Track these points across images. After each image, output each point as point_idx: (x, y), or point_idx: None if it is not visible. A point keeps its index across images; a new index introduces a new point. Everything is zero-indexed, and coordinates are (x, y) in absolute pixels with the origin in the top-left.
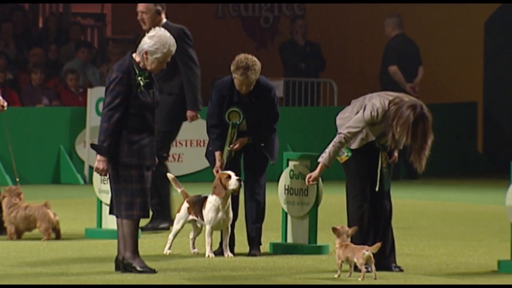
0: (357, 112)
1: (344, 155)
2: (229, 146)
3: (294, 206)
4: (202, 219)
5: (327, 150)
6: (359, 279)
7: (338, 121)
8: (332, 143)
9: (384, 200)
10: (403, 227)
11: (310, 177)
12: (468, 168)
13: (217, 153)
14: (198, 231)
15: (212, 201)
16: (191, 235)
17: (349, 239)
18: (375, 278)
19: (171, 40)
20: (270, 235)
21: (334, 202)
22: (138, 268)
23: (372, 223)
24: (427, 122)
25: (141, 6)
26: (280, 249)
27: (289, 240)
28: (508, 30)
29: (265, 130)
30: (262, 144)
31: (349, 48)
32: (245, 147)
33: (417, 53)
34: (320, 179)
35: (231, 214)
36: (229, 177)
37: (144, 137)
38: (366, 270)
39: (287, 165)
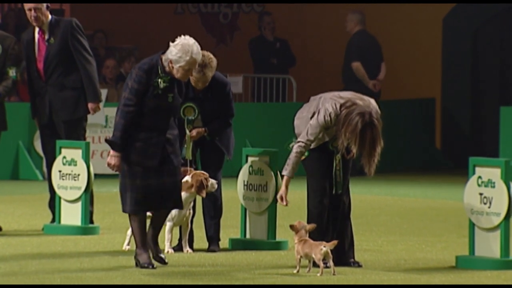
0: (313, 113)
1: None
2: (185, 143)
3: (253, 202)
4: None
5: (289, 162)
6: (318, 274)
7: (296, 121)
8: (294, 153)
9: (342, 195)
10: (361, 222)
11: (281, 198)
12: (426, 164)
13: None
14: None
15: None
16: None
17: (307, 235)
18: (333, 274)
19: (195, 47)
20: (229, 231)
21: (293, 198)
22: (141, 263)
23: (331, 218)
24: (376, 130)
25: (33, 4)
26: (239, 245)
27: (248, 236)
28: (465, 27)
29: (220, 125)
30: (217, 138)
31: (308, 45)
32: (202, 143)
33: (379, 49)
34: (278, 174)
35: (191, 210)
36: (207, 178)
37: (152, 137)
38: (324, 266)
39: (246, 161)
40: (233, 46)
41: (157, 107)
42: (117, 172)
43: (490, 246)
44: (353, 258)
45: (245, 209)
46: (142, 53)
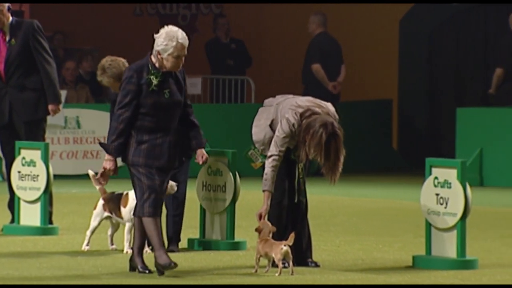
0: (272, 120)
1: (259, 161)
2: None
3: (212, 202)
4: (117, 215)
5: (267, 177)
6: (276, 274)
7: (254, 129)
8: (270, 168)
9: (300, 196)
10: (319, 223)
11: (260, 215)
12: (383, 165)
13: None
14: (116, 227)
15: None
16: (109, 232)
17: (270, 235)
18: (291, 274)
19: (179, 33)
20: (188, 231)
21: (252, 198)
22: (163, 264)
23: (289, 219)
24: (339, 140)
25: None
26: (197, 245)
27: (207, 236)
28: (421, 29)
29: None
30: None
31: (267, 46)
32: None
33: (339, 52)
34: (237, 174)
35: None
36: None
37: (157, 137)
38: (283, 266)
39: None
40: (192, 47)
41: (155, 105)
42: (113, 175)
43: (446, 246)
44: (311, 258)
45: (204, 210)
46: (102, 55)
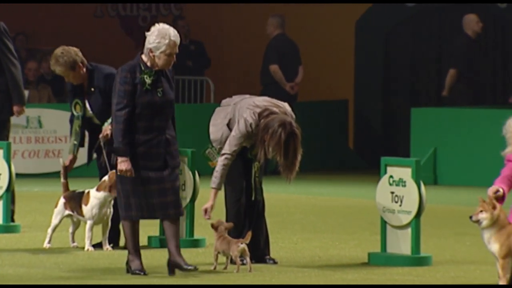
0: (229, 120)
1: (216, 160)
2: (75, 139)
3: None
4: (79, 214)
5: (217, 175)
6: (235, 271)
7: (211, 128)
8: (221, 166)
9: (257, 194)
10: (277, 221)
11: (205, 211)
12: (340, 163)
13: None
14: (77, 225)
15: (100, 197)
16: (71, 229)
17: (226, 232)
18: (249, 271)
19: (171, 31)
20: (148, 229)
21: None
22: (133, 269)
23: (247, 216)
24: (297, 139)
25: None
26: (158, 242)
27: None
28: (377, 30)
29: None
30: None
31: (226, 48)
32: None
33: (297, 53)
34: (196, 173)
35: (112, 209)
36: None
37: (152, 138)
38: (241, 263)
39: None
40: None
41: (149, 105)
42: (129, 176)
43: (401, 243)
44: (269, 255)
45: None
46: None
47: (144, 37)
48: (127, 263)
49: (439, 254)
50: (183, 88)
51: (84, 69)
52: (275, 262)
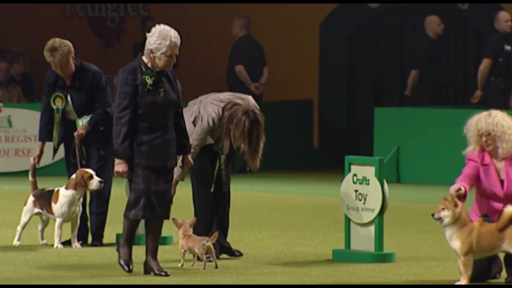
0: (195, 118)
1: None
2: (57, 133)
3: None
4: (49, 212)
5: (179, 168)
6: (201, 268)
7: None
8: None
9: (224, 187)
10: (243, 218)
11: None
12: (305, 162)
13: (39, 143)
14: (46, 223)
15: (69, 195)
16: (40, 227)
17: (191, 229)
18: (216, 267)
19: (172, 32)
20: (116, 227)
21: (178, 194)
22: (121, 257)
23: (215, 213)
24: (260, 126)
25: None
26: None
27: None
28: (341, 31)
29: (99, 116)
30: (102, 128)
31: (193, 48)
32: (86, 140)
33: (262, 54)
34: None
35: (81, 207)
36: (91, 177)
37: (156, 137)
38: (207, 260)
39: None
40: (120, 49)
41: (152, 105)
42: (126, 178)
43: (364, 240)
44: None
45: None
46: (33, 56)
47: (112, 38)
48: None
49: (402, 251)
50: None
51: (73, 64)
52: (241, 254)
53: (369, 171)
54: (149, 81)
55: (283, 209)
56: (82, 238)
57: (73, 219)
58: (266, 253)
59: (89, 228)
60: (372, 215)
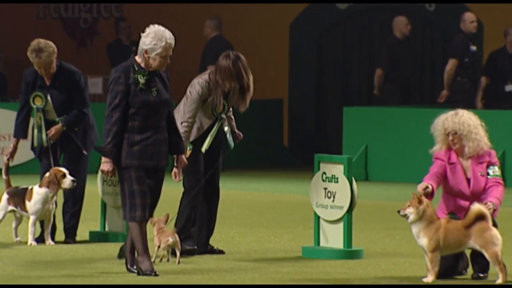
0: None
1: (188, 149)
2: (38, 131)
3: (112, 196)
4: (22, 209)
5: (184, 141)
6: (164, 260)
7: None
8: (183, 134)
9: (216, 188)
10: None
11: (175, 174)
12: (275, 161)
13: (13, 139)
14: (20, 220)
15: (42, 193)
16: (14, 224)
17: (166, 225)
18: (178, 263)
19: (167, 33)
20: (89, 224)
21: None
22: (143, 270)
23: (207, 209)
24: (243, 60)
25: None
26: (98, 237)
27: (108, 228)
28: (311, 31)
29: (75, 116)
30: (76, 129)
31: None
32: (61, 139)
33: None
34: None
35: (54, 205)
36: (64, 175)
37: (148, 137)
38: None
39: None
40: (93, 49)
41: (144, 104)
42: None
43: (333, 237)
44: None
45: (105, 204)
46: (6, 56)
47: (85, 38)
48: (135, 264)
49: (370, 247)
50: None
51: (55, 64)
52: (223, 252)
53: (338, 169)
54: (141, 80)
55: (253, 207)
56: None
57: (46, 216)
58: (237, 250)
59: (57, 225)
60: (341, 213)
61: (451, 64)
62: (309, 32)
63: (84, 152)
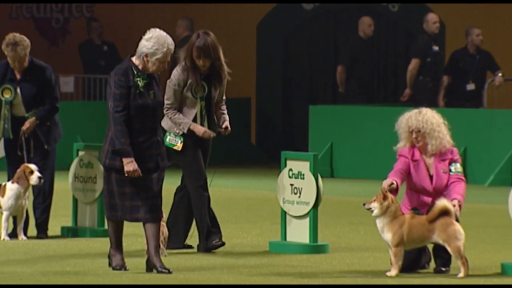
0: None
1: (179, 143)
2: (6, 123)
3: (83, 192)
4: None
5: (179, 122)
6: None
7: (162, 122)
8: (173, 117)
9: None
10: None
11: (206, 131)
12: (243, 158)
13: None
14: None
15: (14, 189)
16: None
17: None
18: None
19: (169, 39)
20: (61, 220)
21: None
22: (114, 265)
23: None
24: (210, 36)
25: None
26: (70, 232)
27: (79, 224)
28: (278, 31)
29: (47, 111)
30: (48, 123)
31: (135, 48)
32: (27, 136)
33: None
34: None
35: (27, 200)
36: (32, 172)
37: (145, 140)
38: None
39: (77, 155)
40: (65, 49)
41: (142, 107)
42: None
43: (300, 232)
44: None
45: (76, 200)
46: None
47: (57, 38)
48: (109, 256)
49: (335, 242)
50: (94, 86)
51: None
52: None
53: (304, 166)
54: (140, 83)
55: (222, 203)
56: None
57: (19, 212)
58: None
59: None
60: (307, 208)
61: (414, 63)
62: (276, 32)
63: (46, 147)
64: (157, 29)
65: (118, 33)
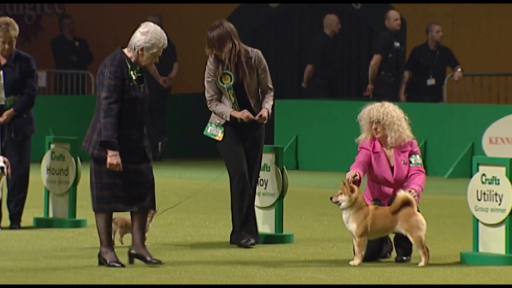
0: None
1: (220, 133)
2: None
3: (55, 184)
4: None
5: (219, 112)
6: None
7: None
8: (214, 107)
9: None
10: None
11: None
12: (210, 150)
13: None
14: None
15: None
16: None
17: (152, 220)
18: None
19: (163, 34)
20: (34, 211)
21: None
22: (108, 262)
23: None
24: (219, 27)
25: None
26: (42, 223)
27: (51, 215)
28: (244, 29)
29: (26, 102)
30: (24, 116)
31: (107, 44)
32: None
33: (173, 50)
34: (78, 159)
35: (1, 192)
36: (5, 162)
37: (134, 132)
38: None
39: (49, 148)
40: (37, 44)
41: (134, 100)
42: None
43: (266, 223)
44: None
45: (48, 191)
46: None
47: (30, 34)
48: (99, 255)
49: (300, 232)
50: (66, 80)
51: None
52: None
53: (270, 159)
54: (134, 76)
55: (190, 194)
56: None
57: None
58: (174, 235)
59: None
60: (272, 199)
61: (376, 59)
62: (242, 29)
63: (13, 136)
64: (151, 23)
65: (89, 28)
